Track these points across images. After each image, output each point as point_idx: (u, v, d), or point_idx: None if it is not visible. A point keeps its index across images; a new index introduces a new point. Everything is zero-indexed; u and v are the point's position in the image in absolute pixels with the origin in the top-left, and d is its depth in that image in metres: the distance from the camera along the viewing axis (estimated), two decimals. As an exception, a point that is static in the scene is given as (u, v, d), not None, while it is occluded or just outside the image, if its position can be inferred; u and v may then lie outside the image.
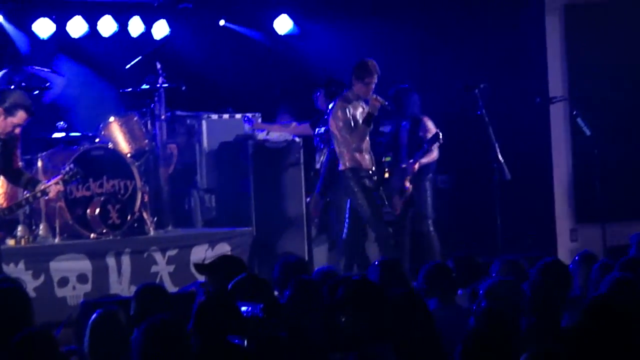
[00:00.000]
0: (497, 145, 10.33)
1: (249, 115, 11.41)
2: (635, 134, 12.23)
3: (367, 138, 10.08)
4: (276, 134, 11.41)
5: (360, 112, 10.02)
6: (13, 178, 8.37)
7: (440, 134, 10.45)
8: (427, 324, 5.64)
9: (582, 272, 7.18)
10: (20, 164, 8.41)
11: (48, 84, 10.59)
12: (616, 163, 11.75)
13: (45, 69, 10.78)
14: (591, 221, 11.52)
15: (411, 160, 10.59)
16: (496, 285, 6.08)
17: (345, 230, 10.15)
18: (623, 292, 5.85)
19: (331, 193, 10.50)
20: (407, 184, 10.66)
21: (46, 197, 8.52)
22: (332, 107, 10.03)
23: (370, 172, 10.08)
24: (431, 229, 10.71)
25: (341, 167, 10.03)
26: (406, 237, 10.74)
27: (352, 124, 9.96)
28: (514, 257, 7.54)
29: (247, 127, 11.38)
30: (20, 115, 7.98)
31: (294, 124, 11.42)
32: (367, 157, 10.07)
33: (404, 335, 5.49)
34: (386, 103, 9.94)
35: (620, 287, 6.03)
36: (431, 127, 10.73)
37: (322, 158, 10.53)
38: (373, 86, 9.99)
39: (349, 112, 9.98)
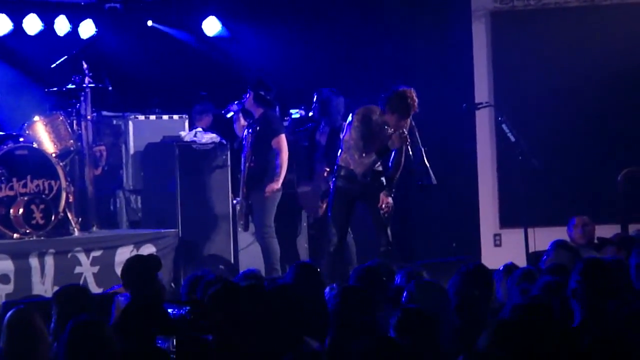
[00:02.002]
0: (423, 149, 10.39)
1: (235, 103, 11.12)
2: (558, 140, 12.40)
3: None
4: (206, 136, 11.37)
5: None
6: None
7: None
8: None
9: (504, 282, 7.24)
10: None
11: None
12: (539, 169, 11.89)
13: None
14: (515, 226, 11.64)
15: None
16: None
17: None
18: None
19: (252, 195, 10.52)
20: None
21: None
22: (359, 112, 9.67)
23: None
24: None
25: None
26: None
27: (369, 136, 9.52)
28: (432, 261, 7.58)
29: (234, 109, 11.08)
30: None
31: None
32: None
33: None
34: (408, 142, 9.54)
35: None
36: None
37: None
38: (404, 124, 9.49)
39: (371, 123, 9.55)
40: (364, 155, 9.49)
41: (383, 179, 9.64)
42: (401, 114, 9.40)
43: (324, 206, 10.67)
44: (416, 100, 9.40)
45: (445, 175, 10.97)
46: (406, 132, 9.46)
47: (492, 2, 12.49)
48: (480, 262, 8.89)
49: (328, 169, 10.70)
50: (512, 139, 11.04)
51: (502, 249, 12.29)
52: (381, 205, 9.54)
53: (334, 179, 9.69)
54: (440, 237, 12.29)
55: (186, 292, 6.89)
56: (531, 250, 10.60)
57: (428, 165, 10.34)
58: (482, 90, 12.43)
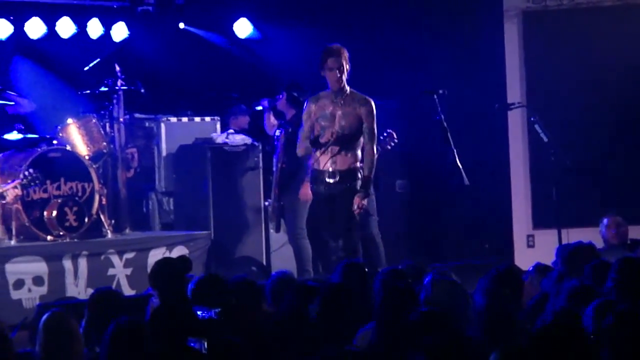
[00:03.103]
0: (455, 150, 10.37)
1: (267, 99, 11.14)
2: (592, 140, 12.33)
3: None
4: (238, 138, 11.39)
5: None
6: (-31, 180, 8.32)
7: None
8: None
9: (536, 282, 7.21)
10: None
11: (13, 104, 10.58)
12: (573, 169, 11.83)
13: (14, 93, 10.74)
14: (548, 227, 11.59)
15: None
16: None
17: None
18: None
19: (284, 197, 10.51)
20: None
21: (3, 201, 8.47)
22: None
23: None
24: (376, 230, 10.75)
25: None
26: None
27: None
28: (464, 263, 7.54)
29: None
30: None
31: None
32: None
33: None
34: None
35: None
36: None
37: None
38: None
39: None
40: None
41: (359, 180, 9.24)
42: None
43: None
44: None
45: (477, 176, 10.94)
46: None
47: (525, 2, 12.43)
48: (512, 264, 8.88)
49: None
50: (545, 139, 10.99)
51: (536, 250, 12.22)
52: (356, 209, 9.18)
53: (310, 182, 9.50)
54: (473, 239, 12.25)
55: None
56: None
57: (460, 166, 10.32)
58: (515, 90, 12.38)
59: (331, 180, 9.23)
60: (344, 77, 9.20)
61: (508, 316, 5.84)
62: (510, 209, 12.51)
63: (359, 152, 9.27)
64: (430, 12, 12.28)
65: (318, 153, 9.24)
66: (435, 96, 10.65)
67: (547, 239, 11.53)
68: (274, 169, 10.52)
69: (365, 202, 9.26)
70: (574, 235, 10.73)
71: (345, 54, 9.23)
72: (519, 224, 12.53)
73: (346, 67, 9.21)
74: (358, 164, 9.25)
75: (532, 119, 11.19)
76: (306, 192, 10.21)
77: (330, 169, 9.22)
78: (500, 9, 12.42)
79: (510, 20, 12.42)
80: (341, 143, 9.17)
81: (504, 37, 12.45)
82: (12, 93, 10.76)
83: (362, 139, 9.25)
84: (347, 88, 9.25)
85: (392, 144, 10.71)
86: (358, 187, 9.18)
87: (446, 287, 6.14)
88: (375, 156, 9.29)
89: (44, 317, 5.79)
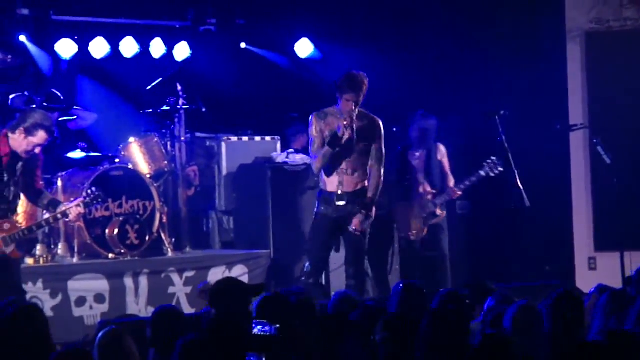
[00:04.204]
0: (516, 172, 10.31)
1: None
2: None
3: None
4: (298, 157, 11.41)
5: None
6: (34, 198, 8.40)
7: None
8: None
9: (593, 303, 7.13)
10: (41, 183, 8.44)
11: (75, 117, 10.70)
12: (635, 191, 11.70)
13: (78, 107, 10.88)
14: (610, 249, 11.47)
15: (456, 186, 10.70)
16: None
17: None
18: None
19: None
20: (439, 211, 10.74)
21: (66, 220, 8.56)
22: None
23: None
24: (447, 250, 10.77)
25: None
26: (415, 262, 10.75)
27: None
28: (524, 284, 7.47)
29: None
30: (41, 136, 8.02)
31: None
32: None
33: None
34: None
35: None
36: (444, 152, 10.86)
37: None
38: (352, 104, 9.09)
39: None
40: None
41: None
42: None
43: (425, 228, 10.68)
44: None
45: (538, 197, 10.87)
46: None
47: (588, 23, 12.34)
48: (572, 286, 8.80)
49: (434, 191, 10.76)
50: (608, 161, 10.90)
51: (597, 272, 12.09)
52: (354, 230, 9.11)
53: (317, 203, 9.33)
54: (534, 261, 12.14)
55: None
56: (627, 274, 10.42)
57: (521, 187, 10.27)
58: (577, 111, 12.28)
59: (340, 203, 9.12)
60: (357, 108, 9.08)
61: (572, 339, 5.79)
62: (572, 231, 12.39)
63: (367, 173, 9.18)
64: (492, 33, 12.22)
65: (326, 174, 9.16)
66: (496, 117, 10.64)
67: (609, 262, 11.41)
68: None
69: (365, 225, 9.15)
70: (637, 258, 10.62)
71: (365, 88, 9.09)
72: (581, 246, 12.39)
73: (361, 98, 9.09)
74: (366, 184, 9.17)
75: (594, 140, 11.10)
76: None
77: (339, 192, 9.13)
78: (563, 30, 12.34)
79: (573, 41, 12.32)
80: (349, 164, 9.11)
81: (567, 58, 12.35)
82: (77, 107, 10.89)
83: (370, 160, 9.16)
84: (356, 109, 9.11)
85: (496, 171, 10.68)
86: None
87: (528, 314, 6.07)
88: (382, 178, 9.21)
89: (100, 334, 5.82)
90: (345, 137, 9.01)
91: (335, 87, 9.19)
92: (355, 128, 9.01)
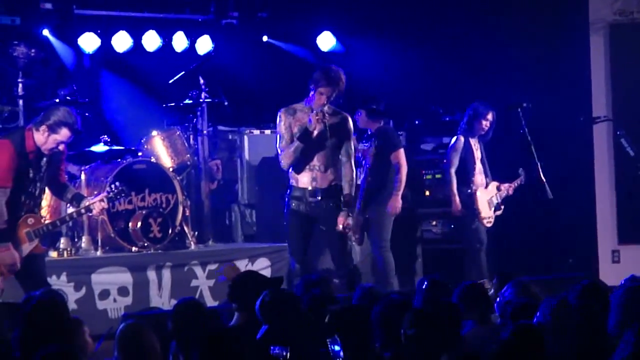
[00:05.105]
0: (539, 164, 10.29)
1: None
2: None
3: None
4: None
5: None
6: (58, 192, 8.43)
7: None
8: None
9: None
10: (65, 177, 8.47)
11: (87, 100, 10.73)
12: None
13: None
14: (634, 242, 11.42)
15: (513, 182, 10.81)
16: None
17: None
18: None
19: (370, 210, 10.45)
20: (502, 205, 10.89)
21: (90, 214, 8.59)
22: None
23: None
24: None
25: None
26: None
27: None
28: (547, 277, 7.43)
29: None
30: (64, 133, 8.03)
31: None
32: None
33: None
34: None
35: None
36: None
37: (361, 175, 10.47)
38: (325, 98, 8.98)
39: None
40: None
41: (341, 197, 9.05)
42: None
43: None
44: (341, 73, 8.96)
45: (562, 190, 10.84)
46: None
47: (612, 15, 12.27)
48: (596, 279, 8.77)
49: (497, 183, 10.85)
50: (632, 153, 10.86)
51: (621, 265, 12.04)
52: (341, 228, 9.01)
53: (287, 200, 9.20)
54: (557, 253, 12.11)
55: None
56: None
57: (544, 180, 10.24)
58: (600, 104, 12.22)
59: (314, 199, 9.04)
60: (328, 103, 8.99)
61: (598, 331, 5.77)
62: (595, 223, 12.35)
63: (339, 169, 9.10)
64: (515, 25, 12.18)
65: (296, 170, 9.07)
66: (519, 109, 10.62)
67: (633, 255, 11.38)
68: (361, 182, 10.43)
69: (350, 220, 9.10)
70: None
71: (342, 85, 9.00)
72: (604, 239, 12.34)
73: (335, 94, 8.99)
74: (338, 182, 9.09)
75: (618, 132, 11.06)
76: (396, 204, 10.16)
77: (310, 187, 9.04)
78: (587, 22, 12.28)
79: (596, 32, 12.26)
80: (320, 160, 9.02)
81: (590, 50, 12.30)
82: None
83: (341, 157, 9.08)
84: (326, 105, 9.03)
85: (519, 182, 10.80)
86: (341, 206, 9.01)
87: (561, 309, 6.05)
88: (354, 173, 9.14)
89: (119, 328, 5.83)
90: (316, 130, 8.93)
91: (310, 79, 9.07)
92: (326, 123, 8.93)
